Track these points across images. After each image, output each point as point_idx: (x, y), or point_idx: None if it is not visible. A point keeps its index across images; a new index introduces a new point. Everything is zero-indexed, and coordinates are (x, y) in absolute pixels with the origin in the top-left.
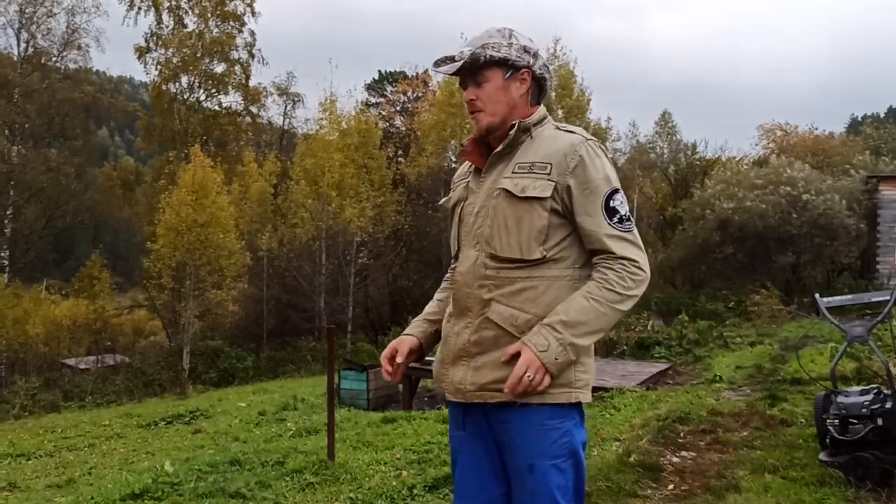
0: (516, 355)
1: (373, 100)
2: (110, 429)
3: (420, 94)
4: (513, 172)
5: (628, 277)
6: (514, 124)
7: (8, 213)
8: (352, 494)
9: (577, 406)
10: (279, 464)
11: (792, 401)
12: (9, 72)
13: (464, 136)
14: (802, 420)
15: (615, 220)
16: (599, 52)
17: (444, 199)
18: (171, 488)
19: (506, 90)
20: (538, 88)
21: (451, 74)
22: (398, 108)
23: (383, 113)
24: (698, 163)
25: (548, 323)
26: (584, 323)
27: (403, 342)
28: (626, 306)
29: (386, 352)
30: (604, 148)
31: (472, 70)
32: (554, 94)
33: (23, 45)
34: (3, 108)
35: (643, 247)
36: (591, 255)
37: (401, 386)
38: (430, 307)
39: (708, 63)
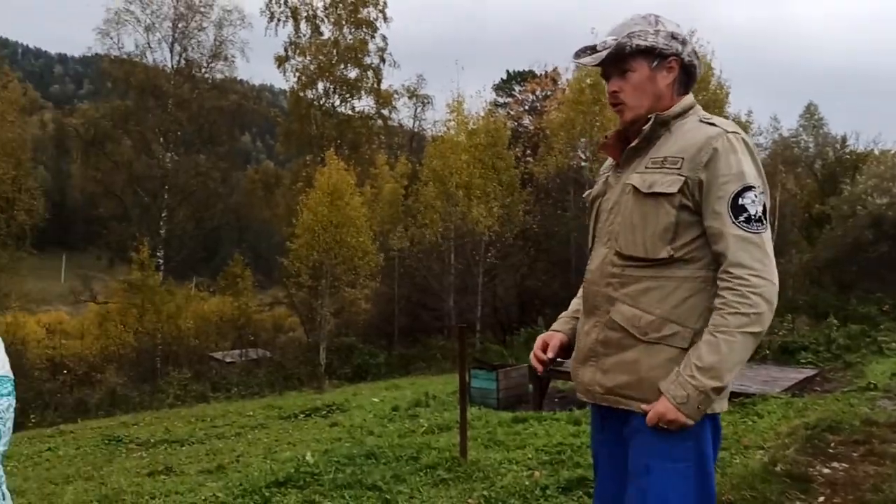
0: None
1: (501, 100)
2: (254, 419)
3: (549, 93)
4: (646, 168)
5: (749, 293)
6: (651, 117)
7: (163, 215)
8: (485, 492)
9: (710, 416)
10: (413, 459)
11: None
12: (163, 83)
13: (594, 134)
14: None
15: (741, 219)
16: (739, 42)
17: (587, 192)
18: (312, 478)
19: (652, 80)
20: (686, 76)
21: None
22: (526, 107)
23: (511, 113)
24: (848, 157)
25: (686, 373)
26: (719, 361)
27: (554, 337)
28: (759, 326)
29: (538, 343)
30: (747, 141)
31: (617, 60)
32: None
33: (175, 58)
34: (159, 117)
35: (771, 252)
36: (716, 258)
37: (531, 386)
38: (574, 304)
39: (859, 50)
